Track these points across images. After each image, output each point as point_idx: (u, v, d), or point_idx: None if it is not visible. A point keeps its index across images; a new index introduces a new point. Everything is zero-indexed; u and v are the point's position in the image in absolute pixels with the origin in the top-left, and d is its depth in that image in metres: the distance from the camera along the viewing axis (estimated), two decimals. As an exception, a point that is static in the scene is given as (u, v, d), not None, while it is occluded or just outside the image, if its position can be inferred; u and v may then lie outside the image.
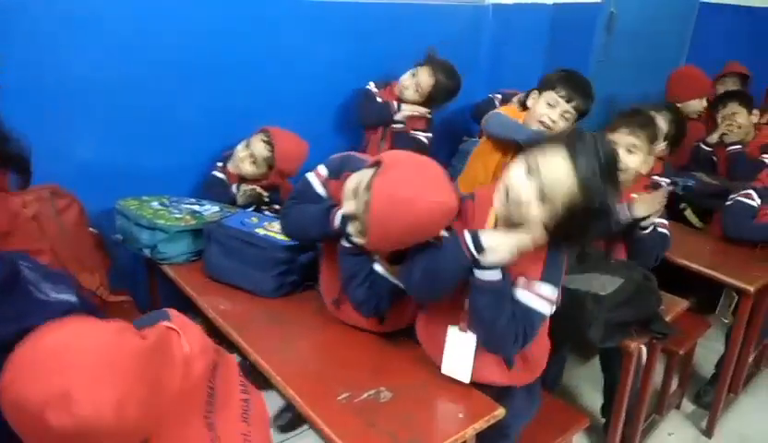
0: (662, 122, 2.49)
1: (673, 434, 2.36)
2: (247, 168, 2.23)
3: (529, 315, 1.32)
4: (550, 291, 1.32)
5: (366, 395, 1.36)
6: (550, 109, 2.05)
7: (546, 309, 1.33)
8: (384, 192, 1.27)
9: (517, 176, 1.26)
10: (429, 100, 2.60)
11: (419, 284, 1.36)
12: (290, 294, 1.73)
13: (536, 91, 2.13)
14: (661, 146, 2.48)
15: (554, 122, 2.04)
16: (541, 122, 2.05)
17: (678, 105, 3.02)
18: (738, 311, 2.12)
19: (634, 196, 1.98)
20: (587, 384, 2.50)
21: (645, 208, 1.92)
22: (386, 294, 1.52)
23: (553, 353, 1.55)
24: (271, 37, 2.37)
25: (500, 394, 1.43)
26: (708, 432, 2.36)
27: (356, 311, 1.56)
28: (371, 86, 2.63)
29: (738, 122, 2.89)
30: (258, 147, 2.22)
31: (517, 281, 1.32)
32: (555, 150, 1.23)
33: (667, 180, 2.51)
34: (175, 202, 1.99)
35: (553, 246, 1.33)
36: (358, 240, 1.44)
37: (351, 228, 1.44)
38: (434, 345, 1.46)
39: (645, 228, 1.95)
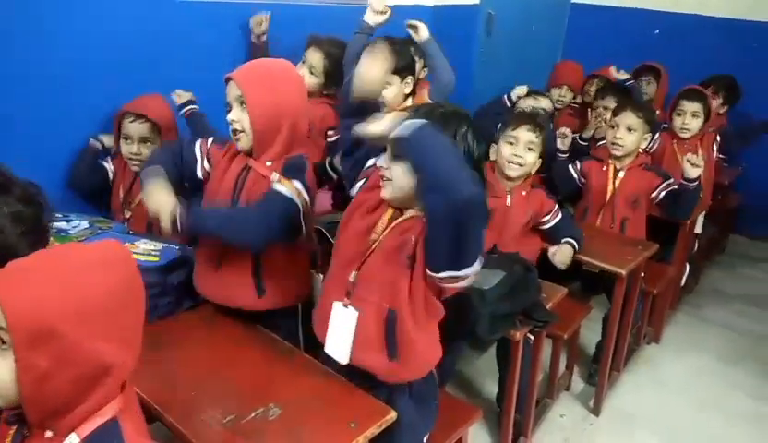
0: (548, 102, 2.81)
1: (564, 415, 2.48)
2: (148, 153, 2.07)
3: None
4: None
5: (253, 415, 1.30)
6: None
7: None
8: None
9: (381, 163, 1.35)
10: (328, 78, 2.51)
11: None
12: (168, 316, 1.63)
13: None
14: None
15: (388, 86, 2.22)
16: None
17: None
18: (614, 294, 2.25)
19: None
20: (484, 375, 2.57)
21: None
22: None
23: (444, 349, 1.55)
24: (157, 38, 2.23)
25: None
26: (596, 410, 2.49)
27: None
28: None
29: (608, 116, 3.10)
30: (140, 129, 2.07)
31: None
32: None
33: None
34: (37, 223, 1.82)
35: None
36: None
37: None
38: (321, 324, 1.46)
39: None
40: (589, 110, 3.39)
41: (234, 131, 1.60)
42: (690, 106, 2.98)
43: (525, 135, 2.16)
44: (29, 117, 2.00)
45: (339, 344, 1.41)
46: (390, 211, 1.38)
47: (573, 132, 3.24)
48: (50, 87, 2.02)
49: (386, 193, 1.35)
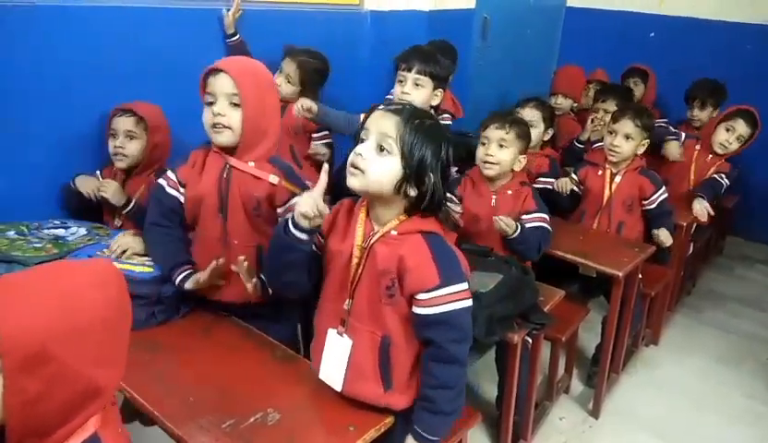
0: (533, 111, 2.73)
1: (564, 418, 2.48)
2: (132, 148, 2.07)
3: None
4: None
5: (252, 419, 1.31)
6: (401, 85, 2.24)
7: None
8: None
9: (354, 151, 1.32)
10: (305, 86, 2.56)
11: None
12: (166, 322, 1.63)
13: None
14: (540, 130, 2.73)
15: (408, 94, 2.21)
16: (400, 100, 2.18)
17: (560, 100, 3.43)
18: (611, 297, 2.26)
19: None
20: (483, 378, 2.56)
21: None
22: None
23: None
24: (139, 44, 2.24)
25: None
26: (595, 412, 2.49)
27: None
28: None
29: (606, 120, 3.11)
30: (125, 122, 2.06)
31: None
32: (379, 112, 1.33)
33: (552, 180, 2.66)
34: (35, 229, 1.82)
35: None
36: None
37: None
38: (316, 351, 1.45)
39: None
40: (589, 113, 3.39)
41: (217, 125, 1.56)
42: (743, 129, 2.99)
43: (495, 133, 2.17)
44: (26, 124, 2.02)
45: (333, 372, 1.39)
46: (361, 230, 1.36)
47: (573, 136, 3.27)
48: (46, 95, 2.03)
49: (355, 182, 1.30)
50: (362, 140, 1.32)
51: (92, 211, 2.11)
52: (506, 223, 2.02)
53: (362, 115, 2.25)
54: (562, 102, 3.47)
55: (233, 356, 1.54)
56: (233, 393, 1.39)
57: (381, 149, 1.28)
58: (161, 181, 1.70)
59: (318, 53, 2.61)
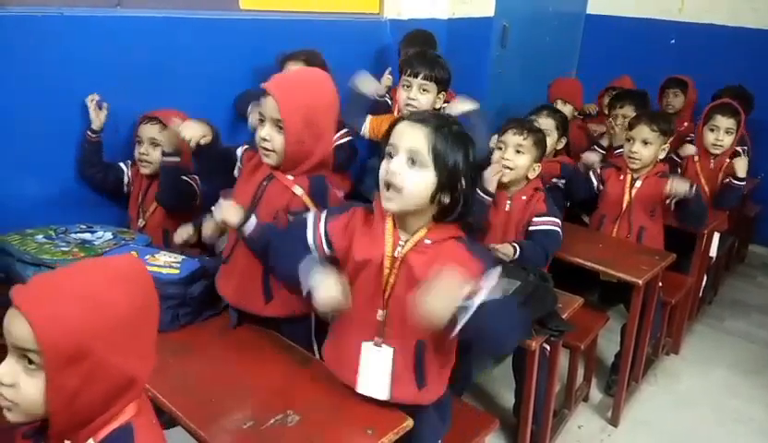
0: (547, 120, 2.72)
1: (582, 426, 2.46)
2: (156, 156, 2.13)
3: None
4: None
5: (272, 421, 1.33)
6: (408, 90, 2.26)
7: None
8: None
9: (383, 166, 1.32)
10: None
11: None
12: (189, 325, 1.66)
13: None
14: (554, 139, 2.71)
15: (414, 99, 2.23)
16: (407, 105, 2.23)
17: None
18: (630, 305, 2.24)
19: None
20: (501, 385, 2.57)
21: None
22: None
23: (458, 358, 1.56)
24: (165, 53, 2.29)
25: (411, 416, 1.39)
26: (614, 421, 2.48)
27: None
28: None
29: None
30: (150, 130, 2.13)
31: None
32: (405, 125, 1.32)
33: (562, 181, 2.66)
34: (62, 233, 1.87)
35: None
36: None
37: None
38: (344, 364, 1.43)
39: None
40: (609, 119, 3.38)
41: (263, 148, 1.60)
42: (725, 122, 2.92)
43: (512, 138, 2.18)
44: (54, 130, 2.07)
45: (375, 383, 1.39)
46: (390, 240, 1.36)
47: (582, 145, 3.26)
48: (74, 101, 2.09)
49: (392, 206, 1.31)
50: (389, 155, 1.32)
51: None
52: (503, 253, 2.01)
53: (369, 118, 2.35)
54: (563, 109, 3.45)
55: (253, 358, 1.56)
56: (253, 395, 1.41)
57: (413, 162, 1.28)
58: (240, 146, 1.77)
59: (317, 53, 2.53)
